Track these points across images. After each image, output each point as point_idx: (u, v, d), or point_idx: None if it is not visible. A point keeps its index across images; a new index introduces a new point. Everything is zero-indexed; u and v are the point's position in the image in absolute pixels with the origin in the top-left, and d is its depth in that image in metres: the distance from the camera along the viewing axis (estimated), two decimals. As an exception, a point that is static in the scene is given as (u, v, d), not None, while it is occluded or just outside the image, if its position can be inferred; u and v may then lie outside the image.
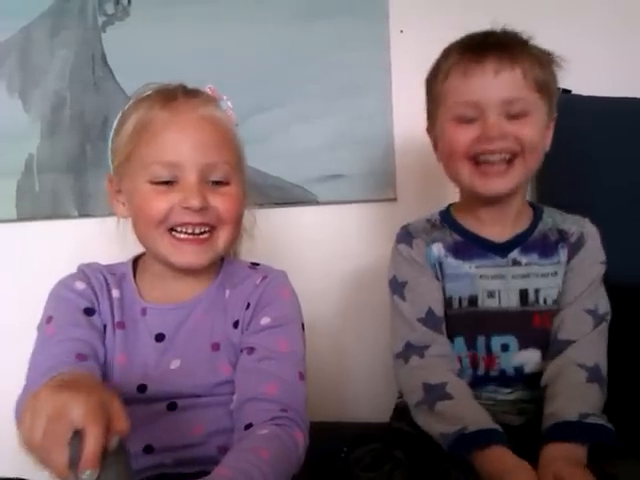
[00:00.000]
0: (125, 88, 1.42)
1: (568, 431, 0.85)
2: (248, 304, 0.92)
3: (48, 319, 0.90)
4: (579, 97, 1.31)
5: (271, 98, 1.37)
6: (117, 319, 0.92)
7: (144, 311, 0.93)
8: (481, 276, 1.00)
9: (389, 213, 1.37)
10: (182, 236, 0.89)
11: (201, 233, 0.90)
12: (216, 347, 0.91)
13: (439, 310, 1.00)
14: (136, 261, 1.00)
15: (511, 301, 0.99)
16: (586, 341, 0.95)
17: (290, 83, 1.38)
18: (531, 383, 0.98)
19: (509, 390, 1.00)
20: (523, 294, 0.99)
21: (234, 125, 0.95)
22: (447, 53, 0.99)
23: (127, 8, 1.43)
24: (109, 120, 1.45)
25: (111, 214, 0.98)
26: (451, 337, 1.00)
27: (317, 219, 1.41)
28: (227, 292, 0.95)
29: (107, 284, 0.94)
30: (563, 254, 1.01)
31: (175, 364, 0.90)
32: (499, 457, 0.83)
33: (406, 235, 1.05)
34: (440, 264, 1.02)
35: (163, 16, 1.41)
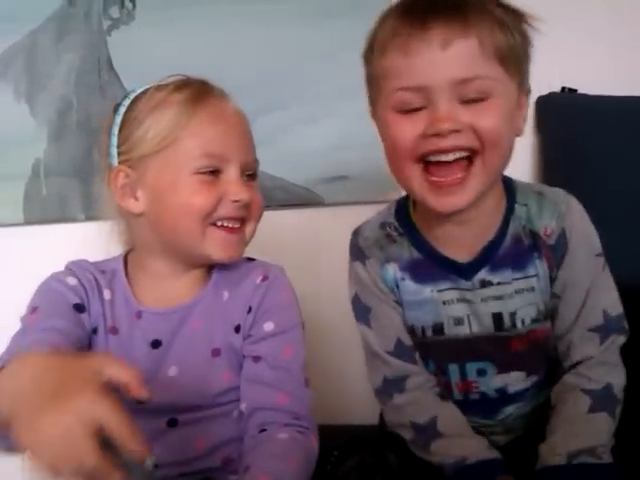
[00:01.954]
0: (131, 92, 1.43)
1: (555, 476, 0.77)
2: (250, 308, 0.89)
3: (32, 309, 0.86)
4: (584, 96, 1.31)
5: (276, 100, 1.38)
6: (110, 323, 0.88)
7: (139, 315, 0.89)
8: (444, 302, 0.85)
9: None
10: (222, 229, 0.87)
11: (235, 228, 0.89)
12: (217, 353, 0.88)
13: (407, 339, 0.89)
14: (126, 257, 0.95)
15: (483, 327, 0.85)
16: (594, 362, 0.82)
17: (295, 85, 1.39)
18: (518, 400, 0.89)
19: (496, 415, 0.90)
20: (497, 318, 0.84)
21: None
22: (383, 20, 0.79)
23: (132, 12, 1.44)
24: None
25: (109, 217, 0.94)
26: (423, 360, 0.90)
27: (322, 220, 1.41)
28: (225, 294, 0.91)
29: (97, 284, 0.90)
30: (540, 266, 0.83)
31: (173, 372, 0.87)
32: None
33: (358, 252, 0.91)
34: (397, 286, 0.88)
35: (168, 19, 1.41)
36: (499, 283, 0.84)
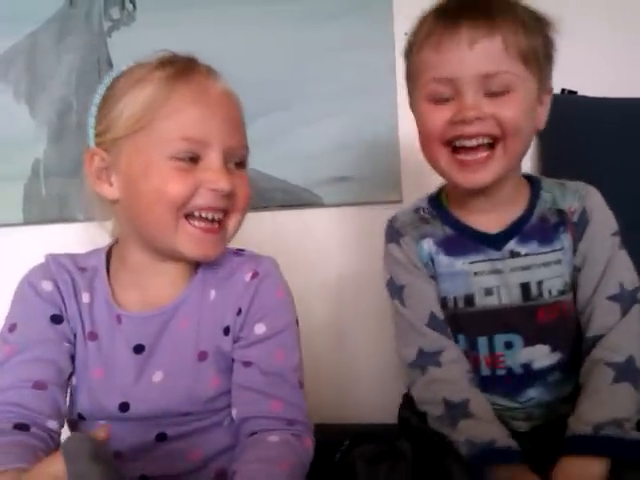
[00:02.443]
0: (131, 93, 1.43)
1: (581, 445, 0.81)
2: (240, 309, 0.83)
3: (11, 327, 0.83)
4: (584, 98, 1.31)
5: (276, 100, 1.38)
6: (88, 329, 0.84)
7: (119, 319, 0.84)
8: (476, 273, 0.92)
9: (395, 215, 1.37)
10: (198, 224, 0.80)
11: (215, 220, 0.82)
12: (203, 356, 0.83)
13: (440, 312, 0.93)
14: (109, 252, 0.90)
15: (512, 297, 0.91)
16: (615, 333, 0.87)
17: (295, 85, 1.39)
18: (545, 382, 0.92)
19: (520, 396, 0.92)
20: (525, 288, 0.91)
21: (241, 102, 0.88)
22: (421, 23, 0.89)
23: (133, 13, 1.44)
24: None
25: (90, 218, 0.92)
26: (454, 336, 0.93)
27: (323, 221, 1.41)
28: (212, 292, 0.85)
29: (74, 286, 0.85)
30: (566, 239, 0.91)
31: (157, 377, 0.82)
32: (521, 476, 0.81)
33: (394, 233, 0.98)
34: (432, 262, 0.94)
35: (168, 21, 1.41)
36: (527, 254, 0.91)
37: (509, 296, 0.91)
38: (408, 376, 0.94)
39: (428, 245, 0.94)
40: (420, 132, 0.91)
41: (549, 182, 0.97)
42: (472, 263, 0.92)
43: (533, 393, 0.92)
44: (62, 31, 1.46)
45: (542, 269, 0.91)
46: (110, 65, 1.45)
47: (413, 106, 0.93)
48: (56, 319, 0.84)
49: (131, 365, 0.83)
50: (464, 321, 0.93)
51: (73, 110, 1.46)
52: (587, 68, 1.31)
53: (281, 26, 1.39)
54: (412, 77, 0.92)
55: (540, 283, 0.90)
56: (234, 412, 0.83)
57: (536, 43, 0.85)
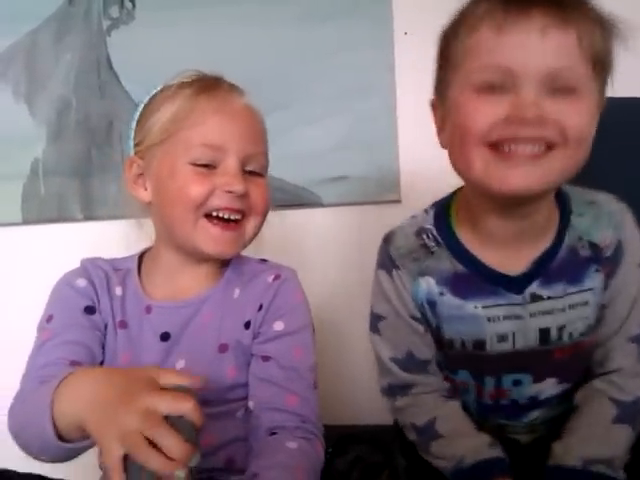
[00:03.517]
0: (130, 92, 1.43)
1: (567, 477, 0.75)
2: (261, 305, 0.89)
3: (48, 318, 0.89)
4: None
5: (275, 100, 1.37)
6: (119, 318, 0.90)
7: (149, 309, 0.90)
8: (490, 318, 0.79)
9: (393, 215, 1.35)
10: (216, 222, 0.87)
11: (234, 220, 0.88)
12: (224, 348, 0.88)
13: (422, 353, 0.85)
14: (142, 256, 0.97)
15: (528, 341, 0.80)
16: (627, 376, 0.80)
17: (294, 85, 1.39)
18: (547, 405, 0.86)
19: (523, 419, 0.87)
20: (543, 333, 0.80)
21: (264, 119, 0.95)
22: (476, 1, 0.73)
23: (132, 12, 1.44)
24: (114, 124, 1.46)
25: (116, 217, 0.96)
26: (454, 370, 0.86)
27: (321, 221, 1.41)
28: (237, 291, 0.91)
29: (108, 281, 0.92)
30: (597, 278, 0.79)
31: (180, 365, 0.88)
32: None
33: (387, 260, 0.85)
34: (433, 303, 0.81)
35: (168, 20, 1.41)
36: (549, 297, 0.79)
37: (525, 340, 0.80)
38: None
39: (427, 284, 0.82)
40: (456, 129, 0.74)
41: (579, 200, 0.82)
42: (486, 307, 0.79)
43: (536, 414, 0.87)
44: (61, 30, 1.46)
45: (567, 312, 0.79)
46: (109, 64, 1.45)
47: (446, 100, 0.77)
48: (89, 310, 0.90)
49: (157, 351, 0.88)
50: (471, 361, 0.84)
51: (72, 109, 1.46)
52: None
53: (281, 26, 1.39)
54: (452, 63, 0.75)
55: (562, 328, 0.80)
56: (251, 404, 0.87)
57: (609, 46, 0.73)
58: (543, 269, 0.78)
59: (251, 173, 0.89)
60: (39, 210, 1.47)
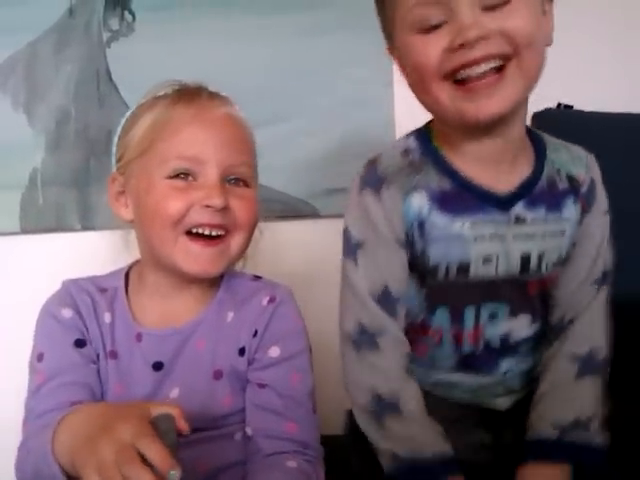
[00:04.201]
0: (129, 103, 1.42)
1: (545, 451, 0.78)
2: (255, 331, 0.86)
3: (39, 357, 0.85)
4: (580, 113, 1.32)
5: (274, 112, 1.38)
6: (109, 348, 0.86)
7: (139, 337, 0.86)
8: (476, 238, 0.78)
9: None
10: (197, 239, 0.82)
11: (216, 236, 0.83)
12: (218, 375, 0.85)
13: (397, 289, 0.80)
14: (128, 272, 0.93)
15: (510, 267, 0.80)
16: (583, 321, 0.83)
17: (293, 97, 1.40)
18: (518, 353, 0.86)
19: (495, 368, 0.85)
20: (525, 261, 0.80)
21: (252, 129, 0.91)
22: None
23: (132, 24, 1.44)
24: (113, 135, 1.46)
25: (115, 227, 0.94)
26: (433, 308, 0.83)
27: (320, 233, 1.41)
28: (230, 314, 0.88)
29: (95, 308, 0.87)
30: (575, 209, 0.81)
31: (174, 394, 0.84)
32: None
33: (374, 179, 0.80)
34: (422, 223, 0.78)
35: (167, 32, 1.42)
36: (533, 220, 0.80)
37: (507, 266, 0.80)
38: (341, 348, 0.84)
39: (420, 201, 0.78)
40: (411, 72, 0.76)
41: (551, 141, 0.86)
42: (473, 225, 0.78)
43: (506, 365, 0.86)
44: (61, 41, 1.47)
45: (546, 240, 0.81)
46: (109, 75, 1.45)
47: (394, 47, 0.79)
48: (79, 343, 0.86)
49: (149, 381, 0.85)
50: (452, 292, 0.82)
51: (71, 120, 1.46)
52: (583, 83, 1.32)
53: (280, 39, 1.40)
54: (388, 10, 0.77)
55: (541, 256, 0.81)
56: (249, 430, 0.84)
57: None
58: (527, 192, 0.79)
59: (236, 185, 0.85)
60: (37, 220, 1.47)
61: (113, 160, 0.90)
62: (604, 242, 0.85)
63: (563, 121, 1.30)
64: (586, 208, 0.82)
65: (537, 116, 1.29)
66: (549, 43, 0.75)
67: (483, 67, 0.70)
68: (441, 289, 0.82)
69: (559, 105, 1.32)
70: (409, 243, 0.80)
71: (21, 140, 1.47)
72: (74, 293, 0.89)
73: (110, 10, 1.45)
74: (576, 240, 0.83)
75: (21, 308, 1.42)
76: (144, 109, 0.86)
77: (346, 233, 0.83)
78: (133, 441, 0.59)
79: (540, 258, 0.81)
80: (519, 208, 0.79)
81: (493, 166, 0.79)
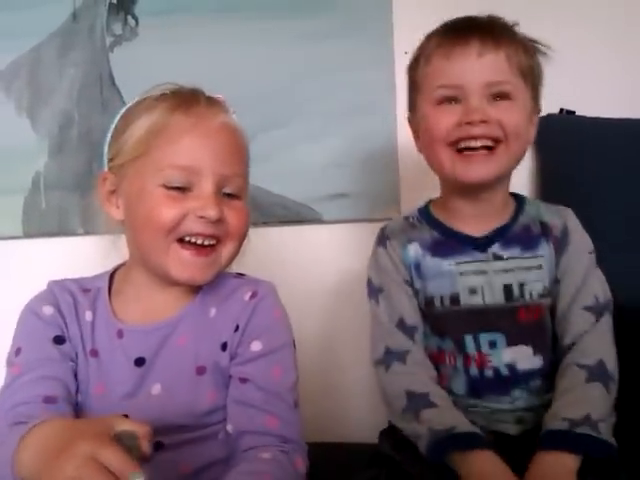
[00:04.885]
0: (132, 107, 1.43)
1: (557, 440, 0.84)
2: (237, 326, 0.86)
3: (17, 351, 0.85)
4: (582, 118, 1.32)
5: (276, 117, 1.39)
6: (89, 347, 0.86)
7: (120, 333, 0.86)
8: (461, 273, 0.97)
9: (393, 232, 1.37)
10: (189, 247, 0.83)
11: (208, 245, 0.84)
12: (201, 371, 0.85)
13: (411, 319, 0.98)
14: (114, 273, 0.93)
15: (495, 297, 0.96)
16: (587, 339, 0.93)
17: (295, 102, 1.40)
18: (529, 387, 0.95)
19: (507, 397, 0.95)
20: (507, 289, 0.96)
21: (245, 135, 0.91)
22: (429, 38, 0.98)
23: (135, 29, 1.45)
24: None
25: (115, 232, 0.94)
26: (441, 337, 0.98)
27: (321, 238, 1.41)
28: (213, 310, 0.88)
29: (76, 307, 0.88)
30: (547, 248, 0.97)
31: (156, 390, 0.84)
32: (484, 460, 0.83)
33: (383, 238, 1.04)
34: (418, 265, 0.99)
35: (170, 37, 1.42)
36: (509, 257, 0.97)
37: (492, 296, 0.96)
38: (376, 376, 0.99)
39: (414, 249, 1.00)
40: (425, 136, 0.97)
41: (532, 201, 1.05)
42: (458, 264, 0.97)
43: (519, 394, 0.95)
44: (65, 46, 1.48)
45: (524, 272, 0.97)
46: (112, 80, 1.46)
47: (416, 115, 0.99)
48: (58, 340, 0.86)
49: (131, 377, 0.84)
50: (450, 321, 0.97)
51: (74, 124, 1.47)
52: (585, 88, 1.32)
53: (282, 44, 1.40)
54: (418, 86, 0.98)
55: (522, 285, 0.96)
56: (229, 427, 0.84)
57: (533, 63, 0.95)
58: (501, 236, 0.98)
59: (229, 196, 0.86)
60: (40, 224, 1.47)
61: (104, 159, 0.90)
62: (590, 274, 0.97)
63: (565, 127, 1.31)
64: (559, 250, 0.98)
65: (539, 122, 1.29)
66: (530, 142, 0.99)
67: (479, 143, 0.91)
68: (441, 318, 0.98)
69: (561, 111, 1.32)
70: (412, 282, 1.00)
71: (24, 144, 1.48)
72: (57, 292, 0.89)
73: (113, 15, 1.46)
74: (559, 277, 0.98)
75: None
76: (140, 110, 0.86)
77: (369, 280, 1.05)
78: (93, 454, 0.59)
79: (522, 287, 0.96)
80: (496, 248, 0.98)
81: (473, 219, 0.99)
